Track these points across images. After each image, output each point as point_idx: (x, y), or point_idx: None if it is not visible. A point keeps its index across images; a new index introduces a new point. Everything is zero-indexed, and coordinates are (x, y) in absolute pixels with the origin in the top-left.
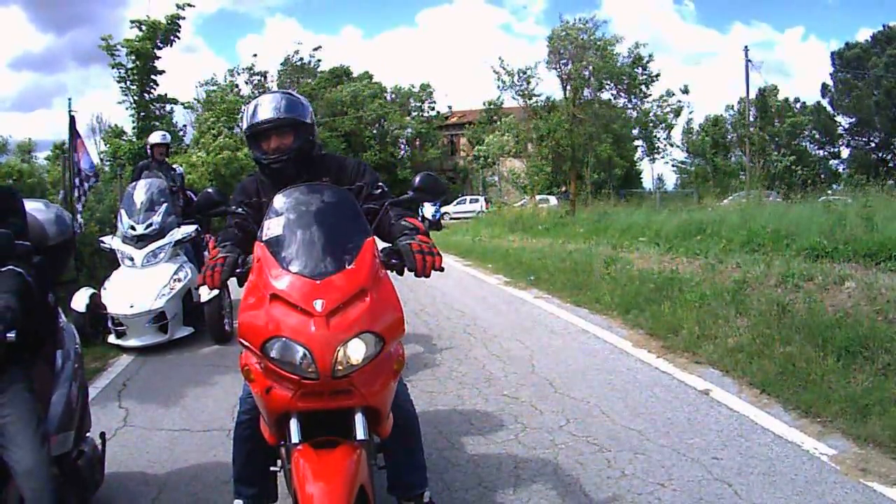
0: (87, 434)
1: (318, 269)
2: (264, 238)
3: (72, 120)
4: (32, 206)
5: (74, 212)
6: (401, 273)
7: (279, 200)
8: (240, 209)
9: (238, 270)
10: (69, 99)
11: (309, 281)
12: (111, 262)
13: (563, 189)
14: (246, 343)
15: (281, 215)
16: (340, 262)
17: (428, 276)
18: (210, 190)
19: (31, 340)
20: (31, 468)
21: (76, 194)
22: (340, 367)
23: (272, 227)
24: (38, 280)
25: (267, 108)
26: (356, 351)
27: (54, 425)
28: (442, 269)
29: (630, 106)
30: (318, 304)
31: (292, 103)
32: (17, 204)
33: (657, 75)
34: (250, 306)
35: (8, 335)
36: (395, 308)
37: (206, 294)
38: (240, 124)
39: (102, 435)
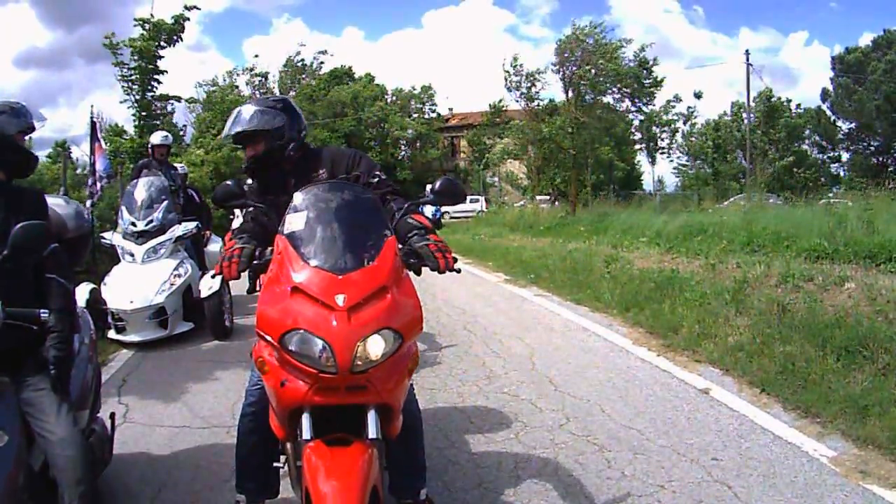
0: (98, 415)
1: (340, 265)
2: (286, 232)
3: (93, 125)
4: (54, 202)
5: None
6: (418, 273)
7: (299, 198)
8: (259, 202)
9: (255, 262)
10: (91, 106)
11: (331, 275)
12: (111, 257)
13: (553, 194)
14: (264, 334)
15: (302, 211)
16: (361, 259)
17: (452, 270)
18: (230, 182)
19: None
20: (66, 437)
21: (89, 192)
22: (359, 363)
23: (293, 221)
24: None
25: (234, 122)
26: (375, 347)
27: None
28: (459, 271)
29: (633, 109)
30: (340, 299)
31: (257, 114)
32: (45, 206)
33: (662, 79)
34: (270, 298)
35: (42, 313)
36: (415, 306)
37: (206, 290)
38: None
39: (112, 416)
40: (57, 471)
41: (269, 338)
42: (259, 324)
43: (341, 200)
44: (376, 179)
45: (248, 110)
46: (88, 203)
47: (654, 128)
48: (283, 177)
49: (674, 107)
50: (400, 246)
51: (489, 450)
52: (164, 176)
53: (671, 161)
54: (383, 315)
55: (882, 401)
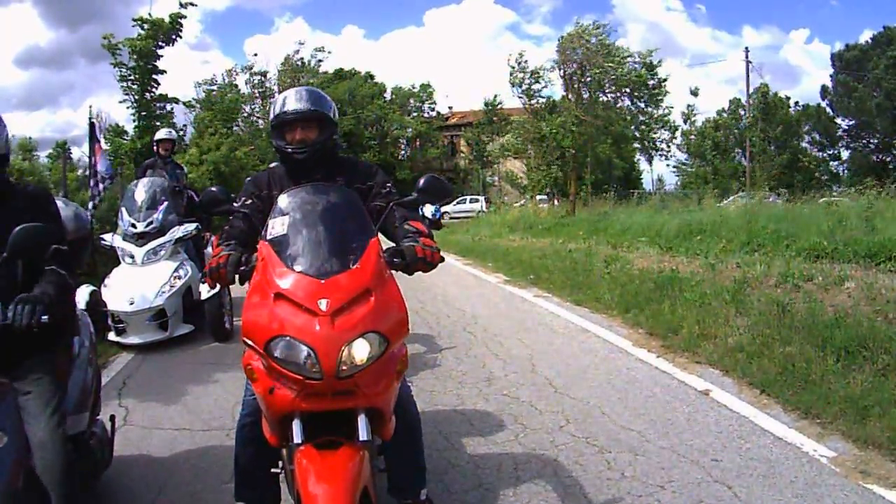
0: (98, 417)
1: (323, 269)
2: (269, 237)
3: (91, 126)
4: None
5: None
6: (406, 272)
7: (283, 200)
8: (247, 203)
9: (242, 268)
10: (90, 106)
11: (313, 280)
12: (111, 259)
13: (553, 194)
14: (249, 342)
15: (286, 215)
16: (345, 262)
17: (426, 271)
18: (214, 189)
19: (56, 328)
20: (44, 440)
21: (91, 194)
22: (345, 368)
23: (277, 226)
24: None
25: (296, 99)
26: (360, 351)
27: (71, 406)
28: (442, 261)
29: (636, 110)
30: (323, 304)
31: (320, 98)
32: (52, 207)
33: (666, 79)
34: (254, 305)
35: (42, 317)
36: (400, 308)
37: (206, 291)
38: (239, 124)
39: (112, 418)
40: (39, 473)
41: (254, 345)
42: (244, 331)
43: (326, 203)
44: (386, 190)
45: (308, 92)
46: (90, 205)
47: (653, 128)
48: (310, 174)
49: (669, 115)
50: (388, 246)
51: (489, 451)
52: (170, 175)
53: (668, 165)
54: (367, 318)
55: (882, 401)
